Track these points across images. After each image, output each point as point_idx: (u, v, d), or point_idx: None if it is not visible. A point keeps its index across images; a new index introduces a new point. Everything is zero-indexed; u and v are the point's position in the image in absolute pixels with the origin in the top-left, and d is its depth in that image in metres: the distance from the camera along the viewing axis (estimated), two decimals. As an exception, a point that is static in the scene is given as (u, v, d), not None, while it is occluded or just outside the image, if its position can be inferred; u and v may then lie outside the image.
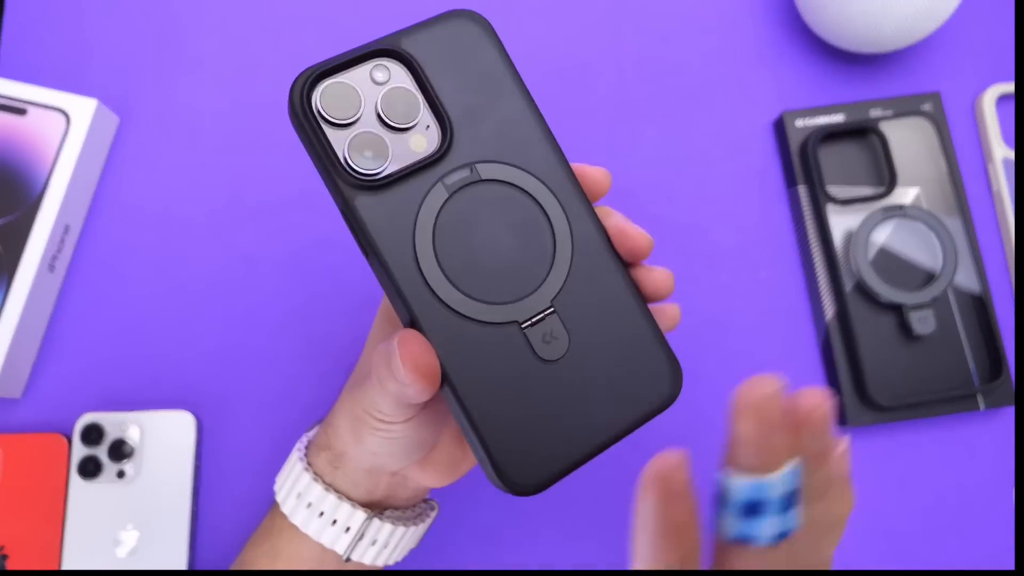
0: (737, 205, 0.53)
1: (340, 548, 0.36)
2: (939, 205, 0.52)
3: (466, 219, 0.28)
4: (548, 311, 0.28)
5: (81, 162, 0.49)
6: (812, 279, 0.51)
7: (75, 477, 0.46)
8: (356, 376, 0.36)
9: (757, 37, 0.55)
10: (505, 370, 0.28)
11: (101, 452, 0.46)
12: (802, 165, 0.52)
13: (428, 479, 0.36)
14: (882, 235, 0.51)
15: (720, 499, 0.24)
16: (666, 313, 0.30)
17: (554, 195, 0.29)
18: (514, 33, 0.52)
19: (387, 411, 0.31)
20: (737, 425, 0.24)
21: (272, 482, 0.47)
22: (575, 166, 0.30)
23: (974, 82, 0.55)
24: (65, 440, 0.47)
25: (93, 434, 0.46)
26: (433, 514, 0.40)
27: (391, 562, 0.38)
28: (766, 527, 0.21)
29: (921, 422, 0.50)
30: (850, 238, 0.50)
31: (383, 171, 0.28)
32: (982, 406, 0.49)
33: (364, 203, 0.28)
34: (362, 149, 0.28)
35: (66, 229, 0.49)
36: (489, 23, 0.29)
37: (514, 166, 0.29)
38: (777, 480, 0.21)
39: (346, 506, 0.36)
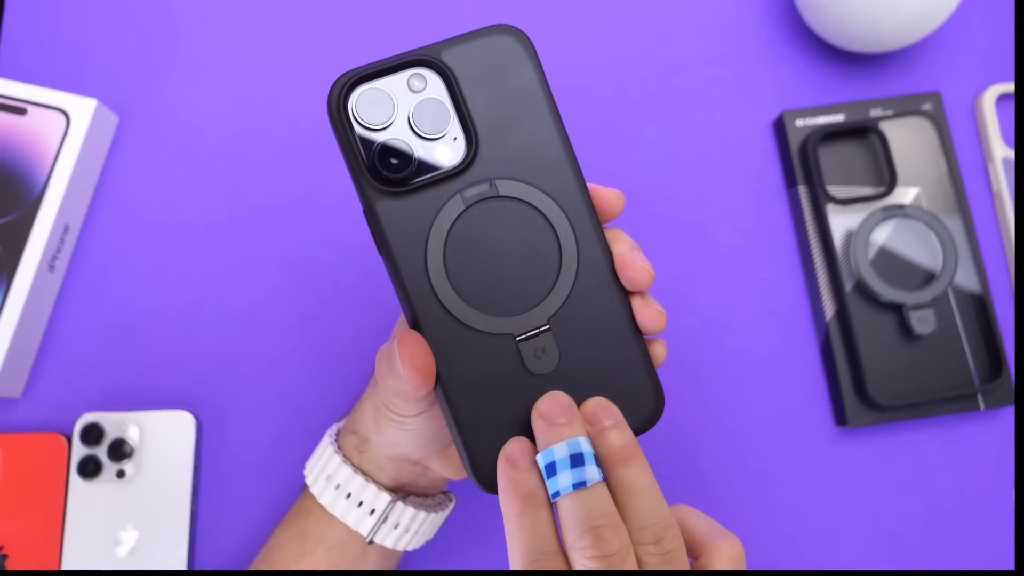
0: (737, 205, 0.53)
1: (364, 529, 0.38)
2: (939, 205, 0.51)
3: (479, 232, 0.30)
4: (544, 328, 0.30)
5: (81, 162, 0.48)
6: (812, 279, 0.51)
7: (75, 477, 0.46)
8: None
9: (757, 37, 0.55)
10: (494, 377, 0.30)
11: (101, 452, 0.46)
12: (802, 165, 0.52)
13: (447, 470, 0.38)
14: (882, 235, 0.51)
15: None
16: (652, 350, 0.32)
17: (567, 217, 0.30)
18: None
19: (394, 405, 0.33)
20: (533, 424, 0.29)
21: (273, 481, 0.48)
22: (590, 186, 0.31)
23: (974, 82, 0.55)
24: (65, 440, 0.47)
25: (93, 434, 0.46)
26: (451, 505, 0.42)
27: (410, 547, 0.40)
28: (563, 479, 0.27)
29: (921, 422, 0.50)
30: (850, 238, 0.50)
31: (407, 178, 0.29)
32: (982, 406, 0.49)
33: (385, 206, 0.29)
34: (389, 155, 0.29)
35: (66, 229, 0.49)
36: (530, 41, 0.30)
37: (532, 185, 0.30)
38: (562, 446, 0.28)
39: (372, 488, 0.38)
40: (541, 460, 0.28)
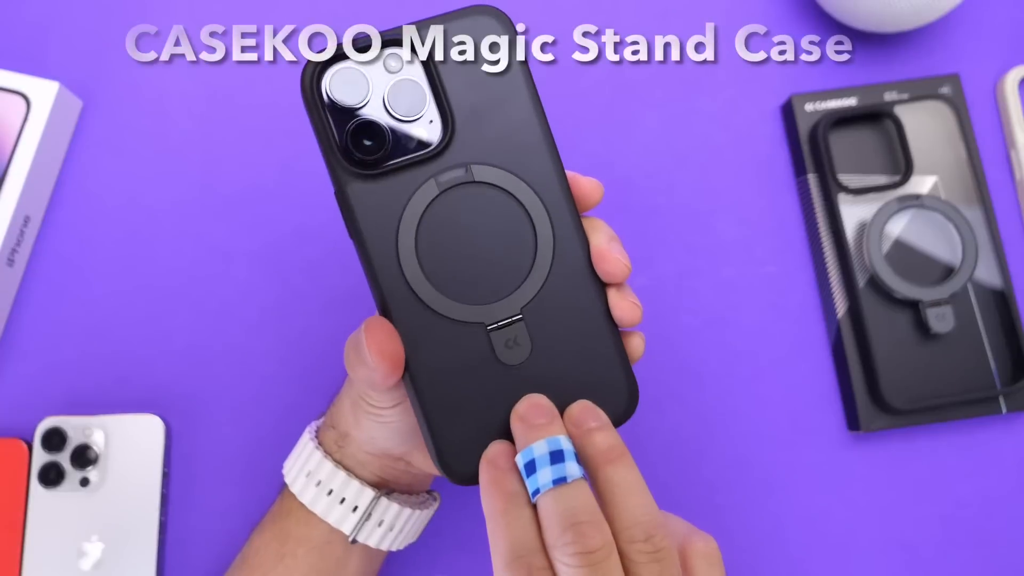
0: (742, 195, 0.52)
1: (347, 528, 0.38)
2: (958, 195, 0.51)
3: (452, 218, 0.30)
4: (516, 318, 0.30)
5: (42, 149, 0.48)
6: (822, 274, 0.51)
7: (36, 485, 0.45)
8: None
9: (764, 15, 0.55)
10: (463, 367, 0.30)
11: (63, 458, 0.46)
12: (812, 152, 0.51)
13: (430, 465, 0.37)
14: (897, 227, 0.50)
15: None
16: (630, 343, 0.33)
17: (544, 205, 0.31)
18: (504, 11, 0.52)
19: (369, 397, 0.34)
20: (512, 427, 0.30)
21: (247, 489, 0.47)
22: (567, 174, 0.31)
23: (995, 63, 0.54)
24: (25, 445, 0.46)
25: (55, 439, 0.46)
26: (436, 504, 0.42)
27: (394, 547, 0.40)
28: (543, 475, 0.28)
29: (939, 427, 0.50)
30: (863, 230, 0.50)
31: (380, 160, 0.30)
32: (1004, 409, 0.49)
33: (356, 189, 0.30)
34: (362, 136, 0.30)
35: (26, 220, 0.48)
36: (511, 22, 0.30)
37: (509, 171, 0.30)
38: (542, 443, 0.28)
39: (355, 483, 0.38)
40: (520, 459, 0.29)
